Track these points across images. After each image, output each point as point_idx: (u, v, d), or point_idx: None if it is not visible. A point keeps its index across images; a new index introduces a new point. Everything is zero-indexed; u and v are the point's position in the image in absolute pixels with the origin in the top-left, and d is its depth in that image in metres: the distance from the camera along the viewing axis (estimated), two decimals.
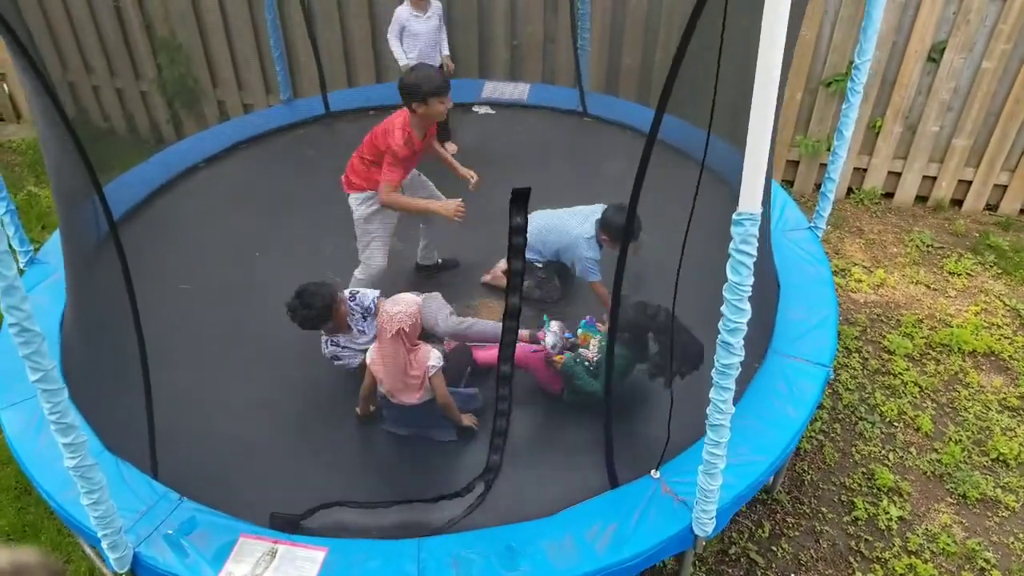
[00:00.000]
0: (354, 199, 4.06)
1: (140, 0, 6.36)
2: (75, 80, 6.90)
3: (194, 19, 6.40)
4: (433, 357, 3.37)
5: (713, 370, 2.54)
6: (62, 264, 4.00)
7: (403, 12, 5.11)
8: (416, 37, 5.12)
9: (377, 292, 3.83)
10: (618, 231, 3.78)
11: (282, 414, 3.69)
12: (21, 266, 4.26)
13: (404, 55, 5.15)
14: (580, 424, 3.53)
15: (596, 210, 4.11)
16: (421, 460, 3.47)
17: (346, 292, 3.81)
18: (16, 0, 2.85)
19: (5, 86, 7.24)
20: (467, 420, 3.60)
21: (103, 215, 2.82)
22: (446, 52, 5.35)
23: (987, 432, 4.39)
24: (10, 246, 2.18)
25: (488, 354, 3.81)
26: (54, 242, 4.47)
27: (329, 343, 3.73)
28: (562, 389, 3.69)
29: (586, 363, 3.64)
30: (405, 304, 3.33)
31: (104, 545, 2.82)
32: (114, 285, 2.82)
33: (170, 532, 3.02)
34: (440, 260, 4.60)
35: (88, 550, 3.57)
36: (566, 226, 4.12)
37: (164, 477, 3.24)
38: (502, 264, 4.42)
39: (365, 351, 3.56)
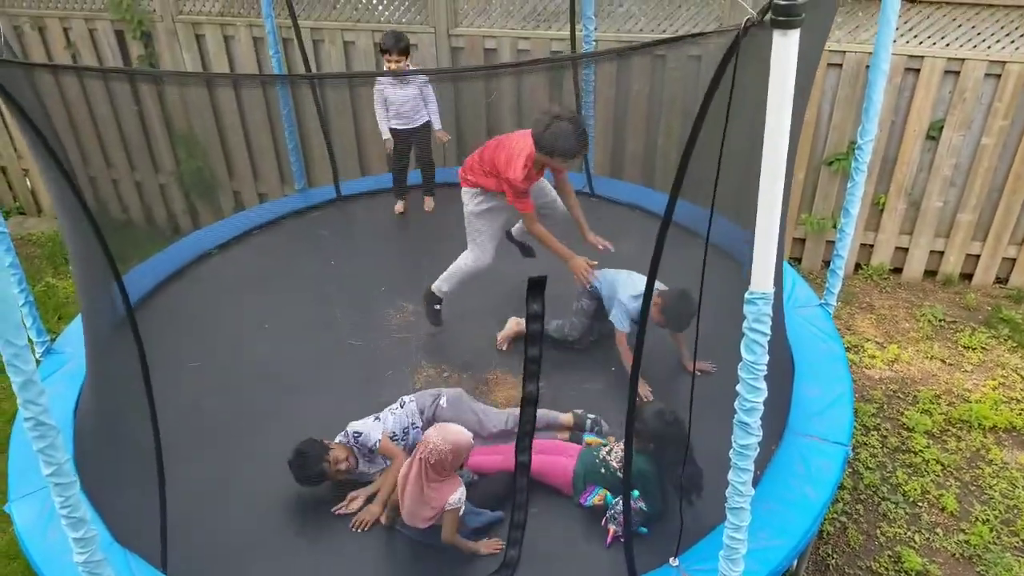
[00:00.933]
0: (466, 193, 4.19)
1: (160, 95, 6.61)
2: (96, 175, 7.10)
3: (212, 113, 6.63)
4: (454, 497, 3.16)
5: (731, 451, 2.51)
6: (77, 352, 4.03)
7: (383, 81, 5.31)
8: (394, 104, 5.35)
9: (379, 437, 3.61)
10: (673, 313, 3.77)
11: (296, 508, 3.62)
12: (38, 356, 4.29)
13: (386, 127, 5.39)
14: (596, 515, 3.46)
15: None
16: (438, 555, 3.38)
17: (349, 429, 3.63)
18: (43, 102, 2.98)
19: (28, 181, 7.46)
20: (486, 548, 3.33)
21: (121, 302, 2.87)
22: (438, 127, 5.51)
23: (1015, 511, 4.27)
24: (28, 339, 2.22)
25: (489, 459, 3.63)
26: (70, 331, 4.52)
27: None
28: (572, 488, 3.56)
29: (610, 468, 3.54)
30: (442, 438, 3.13)
31: None
32: (131, 371, 2.84)
33: None
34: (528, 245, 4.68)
35: None
36: (625, 279, 4.13)
37: (173, 570, 3.17)
38: (514, 321, 4.41)
39: (375, 476, 3.56)
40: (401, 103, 5.37)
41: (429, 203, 5.80)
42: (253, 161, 6.82)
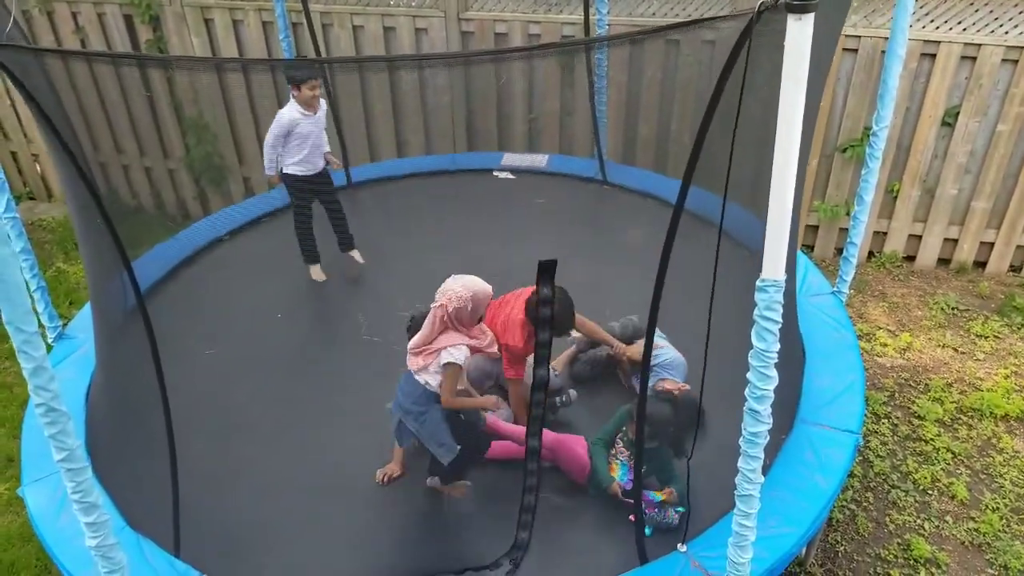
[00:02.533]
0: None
1: (169, 80, 6.60)
2: (106, 160, 7.11)
3: (221, 99, 6.62)
4: (457, 353, 3.22)
5: (741, 439, 2.50)
6: (89, 338, 4.05)
7: (290, 114, 4.67)
8: (305, 138, 4.72)
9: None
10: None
11: (307, 490, 3.65)
12: (49, 341, 4.32)
13: (274, 166, 4.81)
14: (609, 500, 3.46)
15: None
16: (447, 538, 3.40)
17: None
18: (55, 88, 2.98)
19: (38, 166, 7.49)
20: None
21: (131, 289, 2.87)
22: (327, 149, 4.96)
23: None
24: (40, 323, 2.23)
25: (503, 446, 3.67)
26: (82, 317, 4.54)
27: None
28: (587, 479, 3.57)
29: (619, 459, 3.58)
30: (462, 285, 3.21)
31: None
32: (141, 357, 2.85)
33: None
34: None
35: None
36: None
37: (186, 555, 3.20)
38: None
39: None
40: (313, 137, 4.73)
41: (358, 256, 5.13)
42: (263, 147, 6.79)
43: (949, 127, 5.64)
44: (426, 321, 3.29)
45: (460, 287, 3.19)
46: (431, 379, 3.29)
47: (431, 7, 6.06)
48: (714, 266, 2.52)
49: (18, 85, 2.53)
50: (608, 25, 5.56)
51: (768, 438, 2.47)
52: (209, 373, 4.24)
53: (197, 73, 6.78)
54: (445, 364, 3.23)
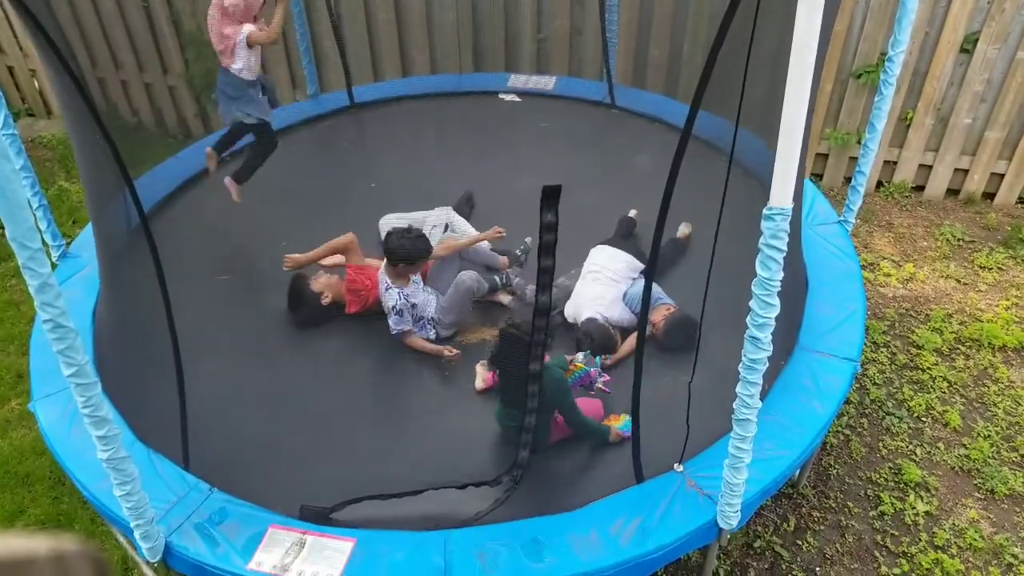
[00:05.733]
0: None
1: None
2: (104, 76, 6.98)
3: None
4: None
5: (740, 365, 2.53)
6: (94, 257, 4.06)
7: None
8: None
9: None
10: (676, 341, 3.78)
11: (312, 405, 3.73)
12: (54, 260, 4.33)
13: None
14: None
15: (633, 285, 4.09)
16: (450, 454, 3.48)
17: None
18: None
19: (35, 82, 7.35)
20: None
21: (134, 208, 2.86)
22: None
23: (1016, 428, 4.32)
24: (43, 241, 2.22)
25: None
26: (85, 236, 4.54)
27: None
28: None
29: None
30: None
31: (136, 535, 2.87)
32: (146, 277, 2.86)
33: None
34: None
35: (121, 539, 3.63)
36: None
37: (195, 468, 3.29)
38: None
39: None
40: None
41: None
42: (264, 64, 6.65)
43: (967, 54, 5.50)
44: None
45: None
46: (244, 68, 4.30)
47: None
48: (723, 193, 2.50)
49: None
50: None
51: (768, 364, 2.50)
52: (214, 293, 4.27)
53: None
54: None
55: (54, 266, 4.25)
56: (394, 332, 3.90)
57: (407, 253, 3.80)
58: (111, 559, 3.82)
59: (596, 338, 3.78)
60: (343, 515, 3.11)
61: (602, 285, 4.05)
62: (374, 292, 4.00)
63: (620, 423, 3.50)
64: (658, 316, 3.91)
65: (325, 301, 4.02)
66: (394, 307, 3.84)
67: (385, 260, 3.88)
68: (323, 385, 3.84)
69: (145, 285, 2.93)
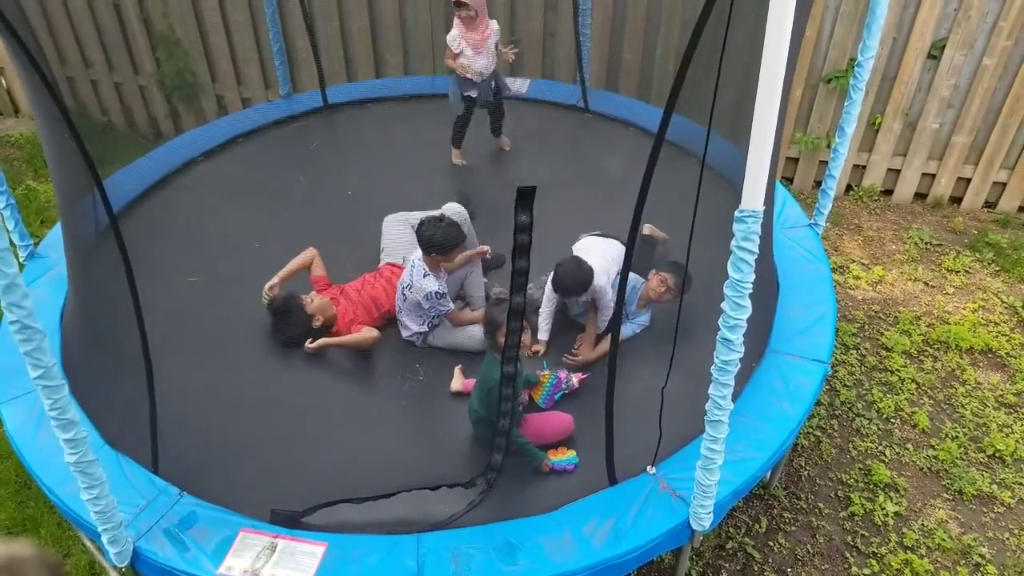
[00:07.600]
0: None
1: None
2: (73, 75, 6.87)
3: (193, 14, 6.38)
4: None
5: (712, 366, 2.55)
6: (62, 258, 4.00)
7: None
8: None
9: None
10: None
11: (283, 408, 3.69)
12: (21, 260, 4.25)
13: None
14: (581, 424, 3.54)
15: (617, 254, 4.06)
16: (423, 457, 3.47)
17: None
18: None
19: (3, 80, 7.22)
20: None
21: (103, 208, 2.82)
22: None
23: (984, 429, 4.41)
24: (11, 241, 2.18)
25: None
26: (53, 236, 4.46)
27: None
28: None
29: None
30: None
31: (104, 539, 2.82)
32: (115, 278, 2.82)
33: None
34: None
35: (88, 544, 3.58)
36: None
37: (164, 472, 3.24)
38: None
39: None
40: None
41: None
42: (236, 64, 6.61)
43: (935, 60, 5.60)
44: None
45: None
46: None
47: None
48: (696, 196, 2.51)
49: None
50: None
51: (739, 366, 2.52)
52: (184, 294, 4.22)
53: None
54: None
55: (22, 266, 4.17)
56: (441, 314, 3.90)
57: (441, 241, 3.77)
58: (78, 564, 3.75)
59: (575, 276, 3.72)
60: (315, 519, 3.08)
61: (600, 256, 3.99)
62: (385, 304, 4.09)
63: (563, 457, 3.41)
64: (657, 281, 3.88)
65: (316, 324, 3.98)
66: (436, 292, 3.82)
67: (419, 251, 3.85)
68: (294, 388, 3.81)
69: (114, 286, 2.89)
